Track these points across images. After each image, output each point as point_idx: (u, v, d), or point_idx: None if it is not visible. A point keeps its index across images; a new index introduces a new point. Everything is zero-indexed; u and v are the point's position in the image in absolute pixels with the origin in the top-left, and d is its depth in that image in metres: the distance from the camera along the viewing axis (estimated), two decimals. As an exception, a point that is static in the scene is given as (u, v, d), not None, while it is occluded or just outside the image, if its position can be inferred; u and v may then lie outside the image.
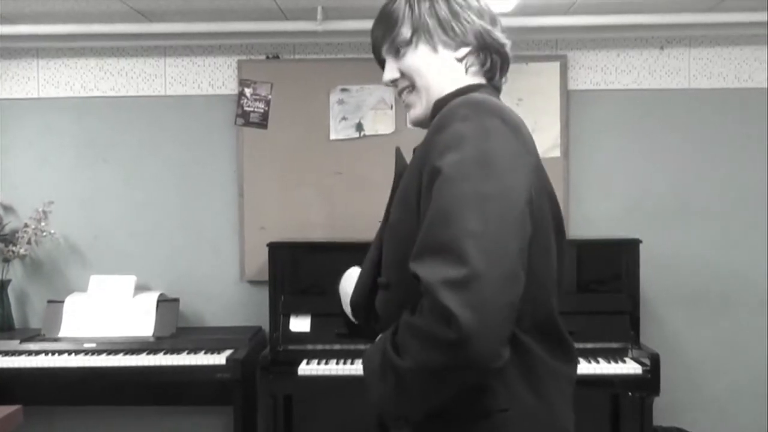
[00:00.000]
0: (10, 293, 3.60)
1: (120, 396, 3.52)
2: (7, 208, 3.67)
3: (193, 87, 3.69)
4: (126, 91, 3.70)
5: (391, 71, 1.40)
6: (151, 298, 3.43)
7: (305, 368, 3.06)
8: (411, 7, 1.36)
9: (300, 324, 3.23)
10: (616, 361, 3.05)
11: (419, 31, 1.35)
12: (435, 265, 1.09)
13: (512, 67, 1.43)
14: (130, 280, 3.46)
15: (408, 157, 1.38)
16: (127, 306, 3.41)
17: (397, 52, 1.38)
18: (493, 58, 1.37)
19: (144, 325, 3.37)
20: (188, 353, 3.19)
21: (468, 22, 1.34)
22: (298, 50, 3.66)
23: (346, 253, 3.13)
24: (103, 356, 3.18)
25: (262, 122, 3.63)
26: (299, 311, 3.24)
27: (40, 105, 3.71)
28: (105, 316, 3.39)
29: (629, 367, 3.02)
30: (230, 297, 3.68)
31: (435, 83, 1.35)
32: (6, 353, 3.21)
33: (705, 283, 3.60)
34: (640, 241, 3.24)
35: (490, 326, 1.07)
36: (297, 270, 3.35)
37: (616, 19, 3.39)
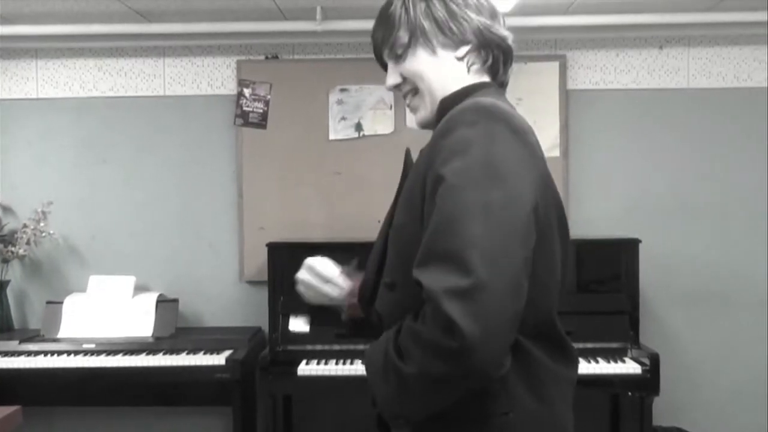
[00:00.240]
0: (9, 294, 3.60)
1: (119, 396, 3.52)
2: (6, 209, 3.67)
3: (192, 87, 3.69)
4: (125, 92, 3.70)
5: (393, 77, 1.39)
6: (150, 299, 3.43)
7: (304, 368, 3.06)
8: (407, 10, 1.34)
9: (299, 324, 3.23)
10: (616, 361, 3.05)
11: (416, 34, 1.33)
12: (439, 274, 1.09)
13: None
14: (130, 281, 3.46)
15: (416, 157, 1.37)
16: (126, 306, 3.41)
17: (398, 57, 1.37)
18: (494, 54, 1.36)
19: (143, 326, 3.37)
20: (187, 354, 3.19)
21: (466, 21, 1.32)
22: (298, 50, 3.66)
23: (345, 253, 3.13)
24: (103, 357, 3.18)
25: (261, 122, 3.63)
26: (298, 311, 3.22)
27: (39, 105, 3.70)
28: (104, 316, 3.38)
29: (629, 367, 3.02)
30: (229, 297, 3.68)
31: (437, 86, 1.34)
32: (5, 354, 3.21)
33: (705, 283, 3.59)
34: (640, 241, 3.24)
35: (494, 336, 1.07)
36: (296, 270, 3.31)
37: (615, 19, 3.39)
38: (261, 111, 3.62)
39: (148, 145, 3.69)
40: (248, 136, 3.63)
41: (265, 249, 3.30)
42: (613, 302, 3.22)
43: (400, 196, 1.35)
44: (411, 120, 3.55)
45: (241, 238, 3.65)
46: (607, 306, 3.21)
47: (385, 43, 1.38)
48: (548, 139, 3.52)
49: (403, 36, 1.34)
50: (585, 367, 2.97)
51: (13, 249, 3.52)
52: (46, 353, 3.21)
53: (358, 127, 3.61)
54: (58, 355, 3.20)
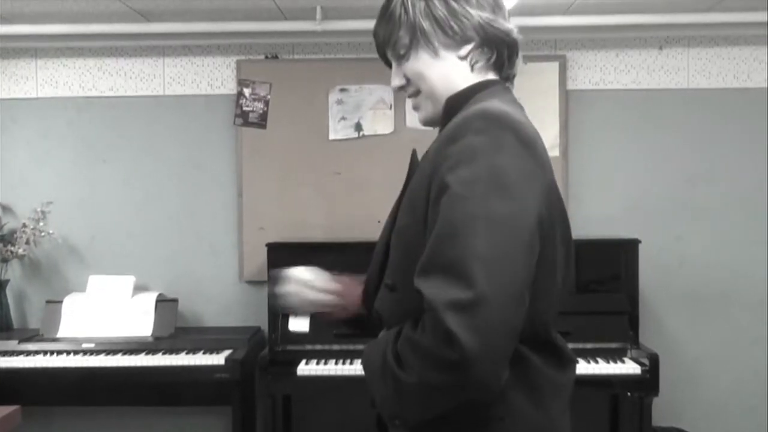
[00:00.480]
0: (8, 293, 3.60)
1: (118, 396, 3.51)
2: (6, 209, 3.67)
3: (191, 87, 3.69)
4: (125, 91, 3.70)
5: (398, 78, 1.38)
6: (149, 299, 3.43)
7: (304, 368, 3.06)
8: (406, 10, 1.32)
9: (299, 324, 3.22)
10: (615, 362, 3.05)
11: (417, 36, 1.31)
12: (441, 285, 1.09)
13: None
14: (129, 281, 3.46)
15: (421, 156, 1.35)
16: (125, 306, 3.40)
17: (400, 57, 1.35)
18: (499, 50, 1.34)
19: (143, 326, 3.37)
20: (187, 353, 3.19)
21: (467, 18, 1.30)
22: (297, 50, 3.66)
23: (345, 253, 3.13)
24: (102, 356, 3.17)
25: (261, 122, 3.63)
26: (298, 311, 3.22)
27: (39, 105, 3.70)
28: (104, 316, 3.38)
29: (628, 367, 3.02)
30: (229, 297, 3.68)
31: (441, 87, 1.33)
32: (4, 353, 3.21)
33: (705, 283, 3.59)
34: (639, 241, 3.23)
35: (493, 350, 1.07)
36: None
37: (615, 19, 3.39)
38: (261, 111, 3.62)
39: (147, 145, 3.69)
40: (248, 136, 3.63)
41: (265, 249, 3.30)
42: (612, 302, 3.22)
43: (404, 196, 1.34)
44: (411, 120, 3.55)
45: (241, 238, 3.65)
46: (606, 306, 3.22)
47: (387, 43, 1.37)
48: (548, 139, 3.52)
49: (404, 37, 1.33)
50: (584, 368, 2.97)
51: (12, 248, 3.52)
52: (45, 353, 3.21)
53: (358, 127, 3.61)
54: (58, 354, 3.20)
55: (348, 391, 2.94)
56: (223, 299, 3.68)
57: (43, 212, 3.55)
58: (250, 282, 3.65)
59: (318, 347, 3.19)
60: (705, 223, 3.59)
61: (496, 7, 1.34)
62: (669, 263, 3.57)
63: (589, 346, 3.10)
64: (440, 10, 1.30)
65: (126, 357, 3.16)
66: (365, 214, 3.43)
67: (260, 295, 3.50)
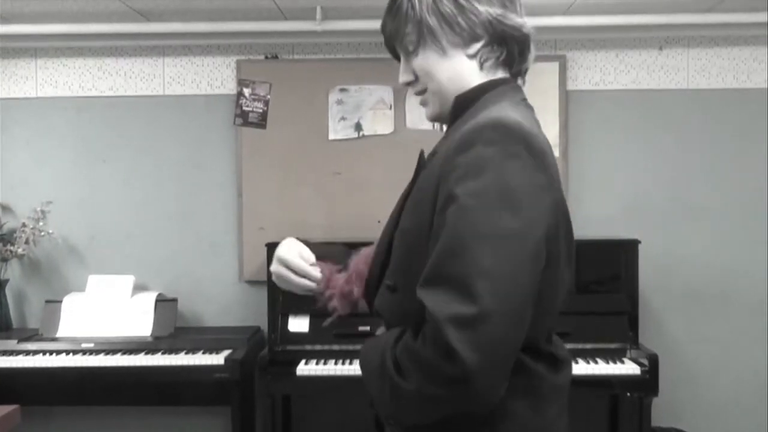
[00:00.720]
0: (7, 293, 3.59)
1: (118, 396, 3.51)
2: (5, 208, 3.67)
3: (191, 87, 3.69)
4: (124, 91, 3.69)
5: (406, 74, 1.36)
6: (149, 298, 3.43)
7: (303, 368, 3.06)
8: (413, 6, 1.29)
9: (298, 324, 3.23)
10: (615, 362, 3.04)
11: (423, 33, 1.29)
12: (444, 298, 1.08)
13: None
14: (129, 280, 3.46)
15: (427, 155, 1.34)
16: (125, 306, 3.40)
17: (409, 53, 1.33)
18: (509, 46, 1.30)
19: (142, 325, 3.37)
20: (186, 353, 3.19)
21: (475, 15, 1.26)
22: (297, 50, 3.66)
23: (344, 253, 3.12)
24: (101, 356, 3.17)
25: (261, 122, 3.63)
26: (298, 311, 3.23)
27: (39, 105, 3.70)
28: (103, 316, 3.38)
29: (628, 368, 3.01)
30: (229, 297, 3.68)
31: (449, 87, 1.30)
32: (4, 353, 3.21)
33: (704, 283, 3.59)
34: (639, 242, 3.23)
35: (493, 366, 1.07)
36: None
37: (615, 20, 3.39)
38: (261, 111, 3.62)
39: (147, 144, 3.69)
40: (248, 136, 3.63)
41: (265, 249, 3.29)
42: (612, 303, 3.22)
43: (408, 198, 1.32)
44: (411, 120, 3.56)
45: (241, 238, 3.65)
46: (606, 306, 3.21)
47: (395, 38, 1.35)
48: (548, 139, 3.52)
49: (412, 33, 1.30)
50: (584, 368, 2.97)
51: (12, 248, 3.52)
52: (44, 352, 3.21)
53: (358, 127, 3.61)
54: (57, 354, 3.20)
55: (347, 391, 2.94)
56: (223, 299, 3.68)
57: (42, 212, 3.55)
58: (250, 282, 3.65)
59: (318, 347, 3.19)
60: (705, 223, 3.59)
61: (507, 1, 1.30)
62: (669, 263, 3.57)
63: (588, 346, 3.10)
64: (447, 6, 1.27)
65: (125, 357, 3.16)
66: (365, 214, 3.43)
67: (260, 295, 3.49)
